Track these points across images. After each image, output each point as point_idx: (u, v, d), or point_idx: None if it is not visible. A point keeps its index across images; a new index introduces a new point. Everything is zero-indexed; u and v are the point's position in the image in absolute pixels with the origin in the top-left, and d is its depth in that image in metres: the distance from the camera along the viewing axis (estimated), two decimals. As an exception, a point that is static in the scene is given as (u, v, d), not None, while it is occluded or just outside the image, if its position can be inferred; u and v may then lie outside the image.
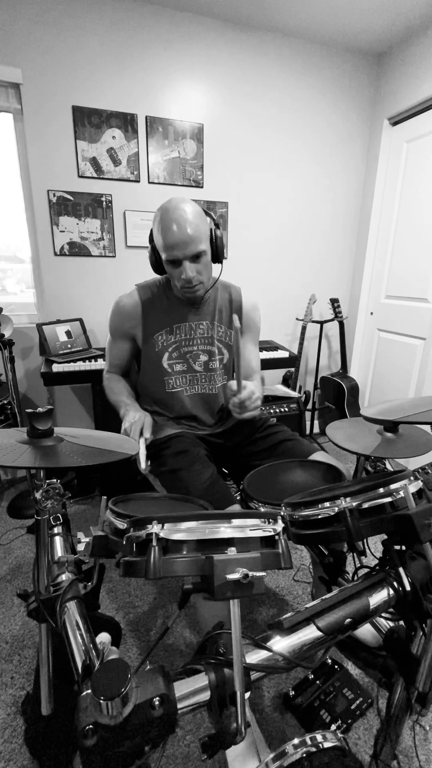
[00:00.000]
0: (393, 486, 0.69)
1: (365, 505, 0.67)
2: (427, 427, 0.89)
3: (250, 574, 0.50)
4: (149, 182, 2.20)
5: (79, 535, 0.76)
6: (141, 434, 1.09)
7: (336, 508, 0.66)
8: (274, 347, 2.42)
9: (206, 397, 1.29)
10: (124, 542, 0.58)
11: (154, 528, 0.55)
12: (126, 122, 2.08)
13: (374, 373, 2.78)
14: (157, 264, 1.16)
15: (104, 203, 2.15)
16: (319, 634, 0.61)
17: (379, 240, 2.65)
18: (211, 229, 1.13)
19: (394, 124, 2.45)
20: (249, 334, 1.34)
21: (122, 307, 1.23)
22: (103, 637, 0.64)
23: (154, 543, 0.54)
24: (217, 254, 1.15)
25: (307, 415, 2.79)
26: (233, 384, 1.05)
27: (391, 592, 0.69)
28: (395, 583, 0.70)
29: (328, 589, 0.93)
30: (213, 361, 1.27)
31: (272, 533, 0.59)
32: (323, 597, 0.68)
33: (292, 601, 1.48)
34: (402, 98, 2.31)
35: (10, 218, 2.17)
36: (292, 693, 1.06)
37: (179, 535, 0.56)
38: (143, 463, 1.01)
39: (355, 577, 0.74)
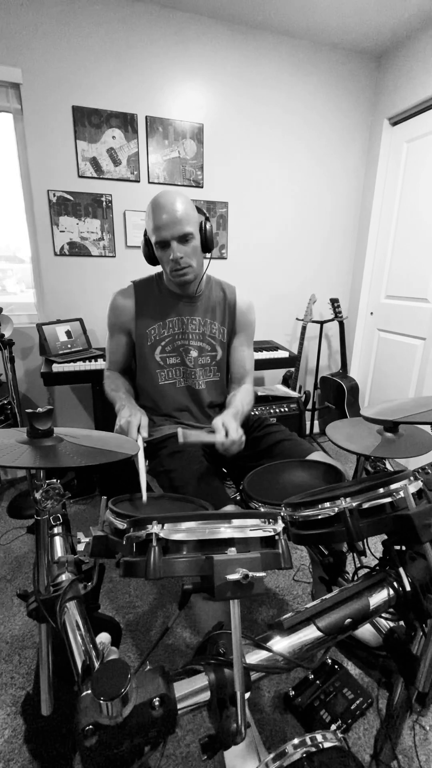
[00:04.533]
0: (393, 486, 0.69)
1: (365, 506, 0.67)
2: (427, 427, 0.89)
3: (250, 574, 0.50)
4: (149, 182, 2.20)
5: (79, 535, 0.76)
6: (138, 432, 1.09)
7: (336, 509, 0.66)
8: (274, 347, 2.42)
9: (194, 392, 1.31)
10: (124, 542, 0.58)
11: (154, 528, 0.55)
12: (126, 122, 2.08)
13: (374, 373, 2.78)
14: (150, 256, 1.20)
15: (104, 203, 2.15)
16: (319, 634, 0.61)
17: (379, 240, 2.65)
18: (201, 221, 1.16)
19: (394, 124, 2.44)
20: (243, 333, 1.35)
21: (118, 302, 1.27)
22: (103, 637, 0.64)
23: (154, 543, 0.54)
24: (207, 243, 1.18)
25: (307, 415, 2.78)
26: (218, 433, 1.04)
27: (391, 592, 0.69)
28: (395, 583, 0.70)
29: (328, 589, 0.93)
30: (204, 356, 1.29)
31: (272, 533, 0.59)
32: (323, 597, 0.68)
33: (292, 601, 1.48)
34: (402, 98, 2.31)
35: (10, 218, 2.17)
36: (292, 693, 1.06)
37: (179, 536, 0.56)
38: (144, 497, 0.90)
39: (355, 577, 0.74)
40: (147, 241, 1.18)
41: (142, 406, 1.27)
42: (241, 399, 1.28)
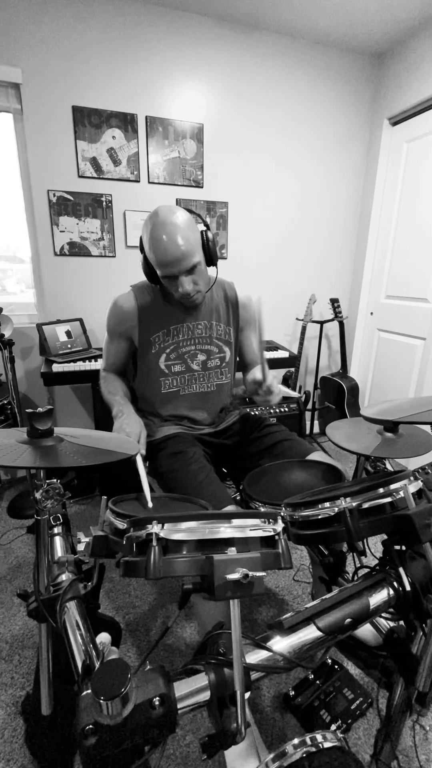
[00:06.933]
0: (393, 486, 0.69)
1: (365, 505, 0.67)
2: (427, 427, 0.89)
3: (250, 574, 0.50)
4: (149, 182, 2.20)
5: (79, 535, 0.76)
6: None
7: (336, 509, 0.66)
8: (274, 347, 2.42)
9: (204, 395, 1.29)
10: (124, 542, 0.58)
11: (154, 528, 0.55)
12: (126, 122, 2.08)
13: (374, 373, 2.78)
14: (150, 274, 1.14)
15: (104, 203, 2.15)
16: (319, 634, 0.61)
17: (379, 240, 2.65)
18: (202, 234, 1.12)
19: (394, 124, 2.45)
20: (249, 327, 1.35)
21: (119, 308, 1.22)
22: (103, 637, 0.64)
23: (154, 543, 0.54)
24: (211, 258, 1.14)
25: (307, 415, 2.78)
26: (257, 373, 1.10)
27: (391, 592, 0.69)
28: (395, 583, 0.70)
29: (328, 589, 0.93)
30: (212, 359, 1.28)
31: (272, 533, 0.59)
32: (323, 597, 0.67)
33: (292, 601, 1.48)
34: (402, 98, 2.31)
35: (10, 218, 2.17)
36: (292, 693, 1.06)
37: (179, 535, 0.56)
38: (149, 500, 0.87)
39: (355, 577, 0.74)
40: (147, 260, 1.12)
41: (141, 410, 1.27)
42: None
